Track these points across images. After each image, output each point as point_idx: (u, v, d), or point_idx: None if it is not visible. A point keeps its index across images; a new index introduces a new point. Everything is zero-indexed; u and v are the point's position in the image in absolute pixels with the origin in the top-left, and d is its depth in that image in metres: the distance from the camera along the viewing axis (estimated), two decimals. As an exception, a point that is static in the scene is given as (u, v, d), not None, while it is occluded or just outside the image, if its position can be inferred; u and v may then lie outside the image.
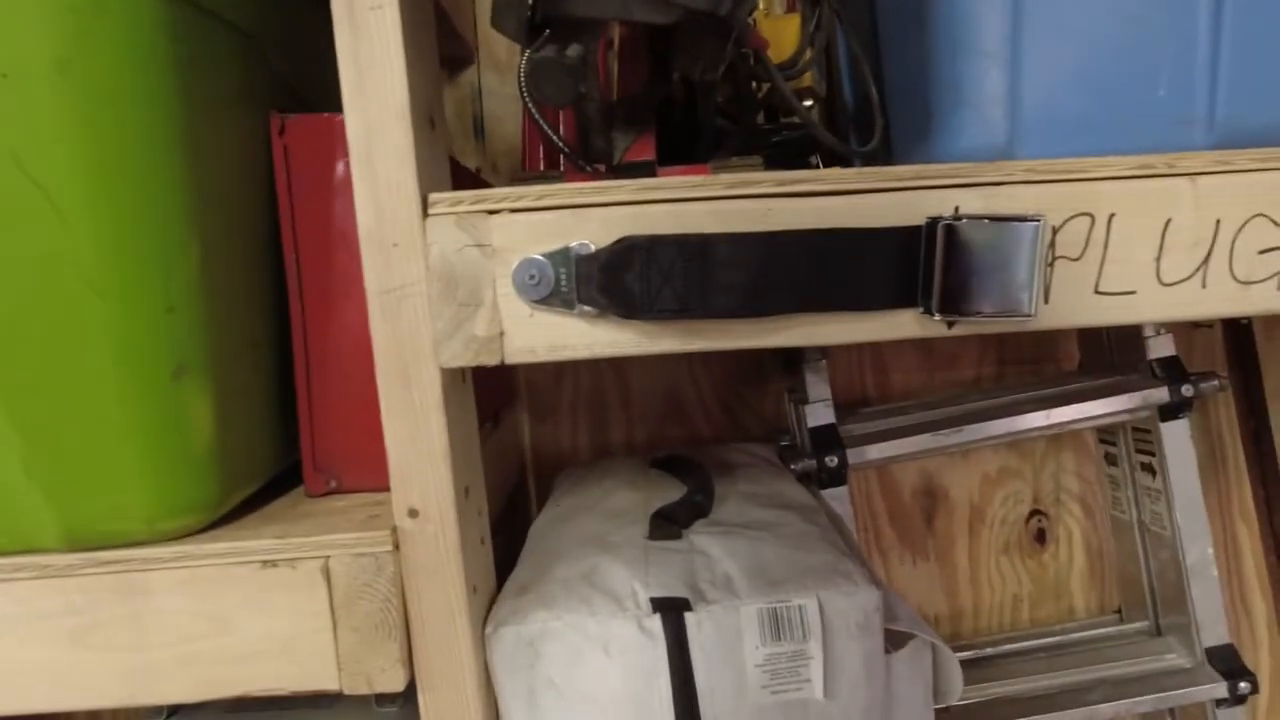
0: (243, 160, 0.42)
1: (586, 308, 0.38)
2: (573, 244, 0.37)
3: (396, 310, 0.38)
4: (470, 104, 0.78)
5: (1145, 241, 0.40)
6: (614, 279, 0.36)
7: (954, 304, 0.38)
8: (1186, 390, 0.67)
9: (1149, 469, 0.72)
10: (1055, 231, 0.40)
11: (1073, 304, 0.41)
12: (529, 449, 0.83)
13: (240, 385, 0.42)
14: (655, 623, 0.42)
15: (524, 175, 0.44)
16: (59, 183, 0.32)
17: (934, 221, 0.38)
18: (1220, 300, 0.41)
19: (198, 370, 0.38)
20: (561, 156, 0.52)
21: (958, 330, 0.40)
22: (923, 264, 0.38)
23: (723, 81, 0.55)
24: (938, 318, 0.39)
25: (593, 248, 0.37)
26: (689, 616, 0.42)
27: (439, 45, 0.73)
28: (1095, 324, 0.41)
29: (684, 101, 0.54)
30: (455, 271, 0.38)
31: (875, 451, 0.68)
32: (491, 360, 0.39)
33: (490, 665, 0.43)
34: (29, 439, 0.35)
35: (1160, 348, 0.68)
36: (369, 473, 0.45)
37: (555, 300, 0.38)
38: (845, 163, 0.56)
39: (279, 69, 0.46)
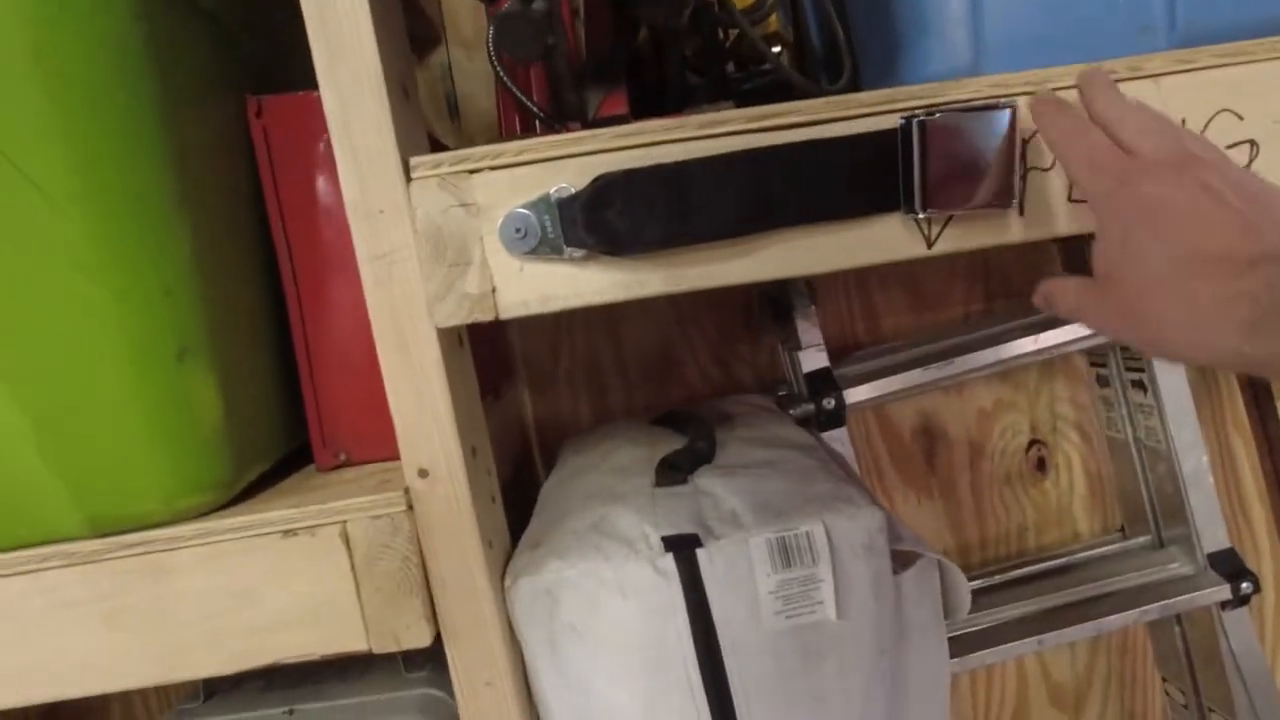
0: (223, 144, 0.43)
1: (575, 251, 0.39)
2: (551, 189, 0.38)
3: (388, 275, 0.39)
4: (441, 83, 0.79)
5: (1113, 147, 0.41)
6: (597, 218, 0.37)
7: (937, 199, 0.39)
8: (1170, 303, 0.68)
9: (1140, 385, 0.74)
10: (1025, 143, 0.41)
11: (1047, 214, 0.42)
12: (531, 422, 0.84)
13: (244, 365, 0.43)
14: (668, 561, 0.43)
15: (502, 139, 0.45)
16: (46, 172, 0.33)
17: (909, 120, 0.39)
18: (1190, 199, 0.42)
19: (201, 351, 0.39)
20: (536, 122, 0.53)
21: (942, 245, 0.41)
22: (901, 164, 0.39)
23: (690, 32, 0.55)
24: (922, 215, 0.39)
25: (573, 191, 0.38)
26: (700, 553, 0.43)
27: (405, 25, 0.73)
28: (1071, 232, 0.42)
29: (653, 57, 0.55)
30: (443, 232, 0.39)
31: (870, 390, 0.70)
32: (486, 316, 0.40)
33: (512, 617, 0.44)
34: (42, 428, 0.36)
35: (1142, 265, 0.69)
36: (377, 444, 0.46)
37: (544, 248, 0.39)
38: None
39: (250, 52, 0.46)
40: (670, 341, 0.84)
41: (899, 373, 0.70)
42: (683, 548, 0.43)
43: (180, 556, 0.39)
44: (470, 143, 0.80)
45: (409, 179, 0.39)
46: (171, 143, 0.38)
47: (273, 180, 0.43)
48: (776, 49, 0.63)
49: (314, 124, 0.43)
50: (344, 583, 0.40)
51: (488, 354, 0.72)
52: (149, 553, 0.39)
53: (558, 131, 0.48)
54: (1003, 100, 0.39)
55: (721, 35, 0.56)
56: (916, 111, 0.39)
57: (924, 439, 0.89)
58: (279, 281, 0.45)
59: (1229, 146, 0.41)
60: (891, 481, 0.89)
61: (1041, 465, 0.90)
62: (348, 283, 0.44)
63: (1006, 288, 0.87)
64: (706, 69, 0.54)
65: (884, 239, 0.41)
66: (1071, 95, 0.40)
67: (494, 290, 0.39)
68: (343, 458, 0.46)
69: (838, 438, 0.69)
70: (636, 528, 0.45)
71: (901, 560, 0.48)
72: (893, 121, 0.39)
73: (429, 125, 0.79)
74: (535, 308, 0.40)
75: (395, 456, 0.41)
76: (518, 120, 0.60)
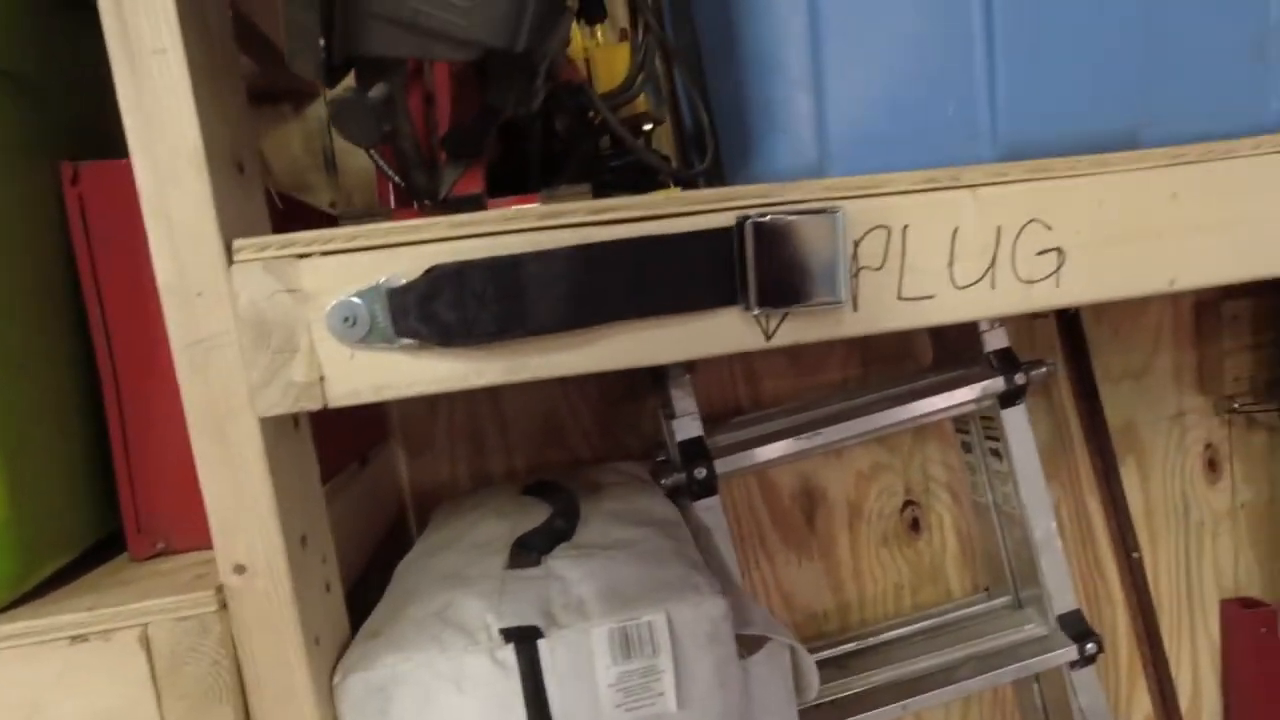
0: (32, 214, 0.40)
1: (407, 340, 0.38)
2: (383, 278, 0.37)
3: (205, 362, 0.37)
4: (320, 137, 0.77)
5: (937, 249, 0.43)
6: (428, 309, 0.37)
7: (770, 298, 0.40)
8: (1019, 378, 0.72)
9: (997, 454, 0.78)
10: (857, 244, 0.42)
11: (879, 310, 0.43)
12: (407, 484, 0.82)
13: (42, 451, 0.40)
14: (508, 653, 0.42)
15: (343, 212, 0.43)
16: None
17: (743, 219, 0.40)
18: (1008, 299, 0.45)
19: (-16, 440, 0.36)
20: (394, 192, 0.52)
21: (780, 339, 0.42)
22: (737, 262, 0.40)
23: (561, 110, 0.56)
24: (756, 311, 0.40)
25: (405, 280, 0.37)
26: (542, 644, 0.42)
27: (279, 78, 0.71)
28: (901, 327, 0.44)
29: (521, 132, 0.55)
30: (266, 318, 0.37)
31: (742, 460, 0.71)
32: (314, 405, 0.38)
33: (339, 717, 0.41)
34: None
35: (995, 341, 0.74)
36: (200, 530, 0.43)
37: (375, 338, 0.38)
38: (688, 184, 0.58)
39: (72, 116, 0.44)
40: (553, 404, 0.84)
41: (770, 442, 0.72)
42: (523, 639, 0.42)
43: (-51, 667, 0.35)
44: (348, 198, 0.79)
45: (231, 261, 0.37)
46: (-40, 217, 0.35)
47: (88, 252, 0.40)
48: (649, 126, 0.65)
49: (136, 192, 0.41)
50: (143, 691, 0.37)
51: (357, 418, 0.70)
52: (-90, 664, 0.35)
53: (417, 207, 0.47)
54: (833, 204, 0.41)
55: (591, 114, 0.57)
56: (750, 211, 0.40)
57: (804, 500, 0.91)
58: (93, 358, 0.42)
59: (1040, 253, 0.44)
60: (773, 543, 0.91)
61: (916, 525, 0.94)
62: (169, 361, 0.41)
63: (881, 352, 0.91)
64: (572, 148, 0.55)
65: (724, 332, 0.42)
66: (895, 200, 0.43)
67: (322, 379, 0.38)
68: (161, 546, 0.43)
69: (710, 505, 0.70)
70: (479, 617, 0.44)
71: (751, 643, 0.48)
72: (729, 219, 0.40)
73: (302, 179, 0.77)
74: (367, 397, 0.39)
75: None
76: (391, 185, 0.59)
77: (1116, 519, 0.89)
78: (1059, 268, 0.45)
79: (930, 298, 0.44)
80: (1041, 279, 0.45)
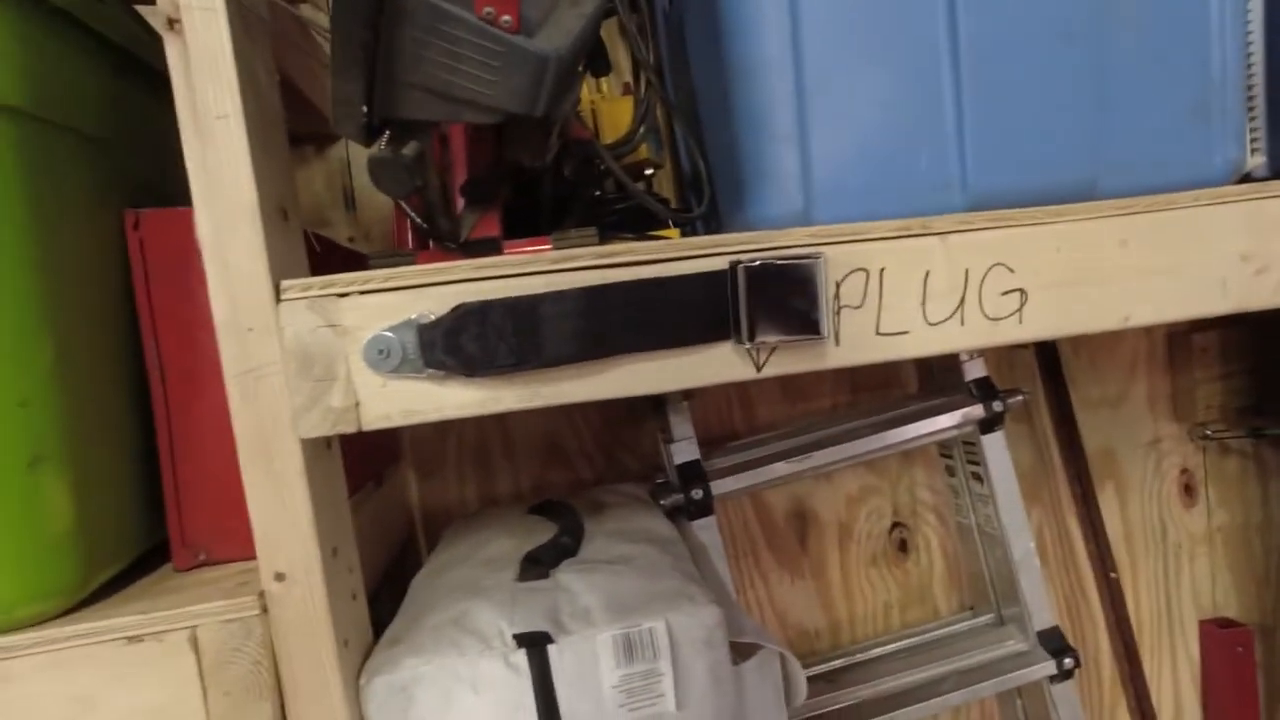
0: (100, 255, 0.45)
1: (434, 370, 0.42)
2: (414, 315, 0.41)
3: (254, 390, 0.41)
4: (340, 176, 0.82)
5: (911, 290, 0.48)
6: (454, 342, 0.41)
7: (760, 333, 0.45)
8: (997, 406, 0.77)
9: (978, 477, 0.82)
10: (839, 285, 0.47)
11: (859, 344, 0.48)
12: (417, 505, 0.85)
13: (102, 469, 0.44)
14: (520, 657, 0.46)
15: (374, 255, 0.48)
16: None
17: (735, 264, 0.44)
18: (976, 335, 0.49)
19: (55, 458, 0.40)
20: (412, 232, 0.57)
21: (770, 370, 0.47)
22: (730, 301, 0.45)
23: (570, 157, 0.61)
24: (747, 345, 0.45)
25: (433, 317, 0.42)
26: (551, 648, 0.46)
27: (303, 123, 0.76)
28: (880, 360, 0.48)
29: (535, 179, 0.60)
30: (310, 350, 0.42)
31: (736, 482, 0.75)
32: (349, 428, 0.42)
33: (365, 716, 0.45)
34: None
35: (974, 370, 0.78)
36: (239, 543, 0.47)
37: (405, 368, 0.42)
38: (687, 226, 0.63)
39: (134, 168, 0.49)
40: (557, 428, 0.88)
41: (762, 465, 0.76)
42: (534, 644, 0.46)
43: (18, 665, 0.39)
44: (365, 234, 0.83)
45: (279, 299, 0.41)
46: (41, 263, 0.39)
47: (146, 288, 0.45)
48: (650, 171, 0.70)
49: (190, 237, 0.46)
50: (190, 688, 0.41)
51: (372, 440, 0.74)
52: (-16, 662, 0.39)
53: (441, 249, 0.52)
54: (817, 250, 0.46)
55: (597, 161, 0.62)
56: (742, 257, 0.45)
57: (797, 522, 0.95)
58: (146, 382, 0.46)
59: (1004, 294, 0.49)
60: (767, 562, 0.94)
61: (904, 546, 0.98)
62: (214, 387, 0.46)
63: (870, 380, 0.96)
64: (580, 192, 0.59)
65: (718, 364, 0.46)
66: (872, 246, 0.47)
67: (358, 404, 0.42)
68: (202, 557, 0.47)
69: (706, 525, 0.74)
70: (493, 624, 0.48)
71: (743, 650, 0.52)
72: (723, 263, 0.45)
73: (323, 215, 0.82)
74: (397, 420, 0.43)
75: (255, 555, 0.42)
76: (409, 225, 0.64)
77: (1095, 541, 0.93)
78: (1022, 306, 0.49)
79: (905, 333, 0.48)
80: (1006, 316, 0.49)
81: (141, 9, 0.51)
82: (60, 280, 0.41)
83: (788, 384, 0.93)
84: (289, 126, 0.74)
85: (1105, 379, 1.01)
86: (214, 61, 0.39)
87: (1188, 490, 1.04)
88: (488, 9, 0.38)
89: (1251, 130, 0.71)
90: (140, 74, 0.50)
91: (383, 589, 0.65)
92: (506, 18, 0.38)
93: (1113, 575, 0.94)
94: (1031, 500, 0.99)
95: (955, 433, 0.80)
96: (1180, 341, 1.01)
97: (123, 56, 0.49)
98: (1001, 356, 0.98)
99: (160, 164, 0.50)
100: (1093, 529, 0.93)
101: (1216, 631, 1.03)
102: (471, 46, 0.39)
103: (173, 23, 0.40)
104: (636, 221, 0.64)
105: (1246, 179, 0.72)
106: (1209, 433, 1.01)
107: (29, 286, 0.39)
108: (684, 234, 0.64)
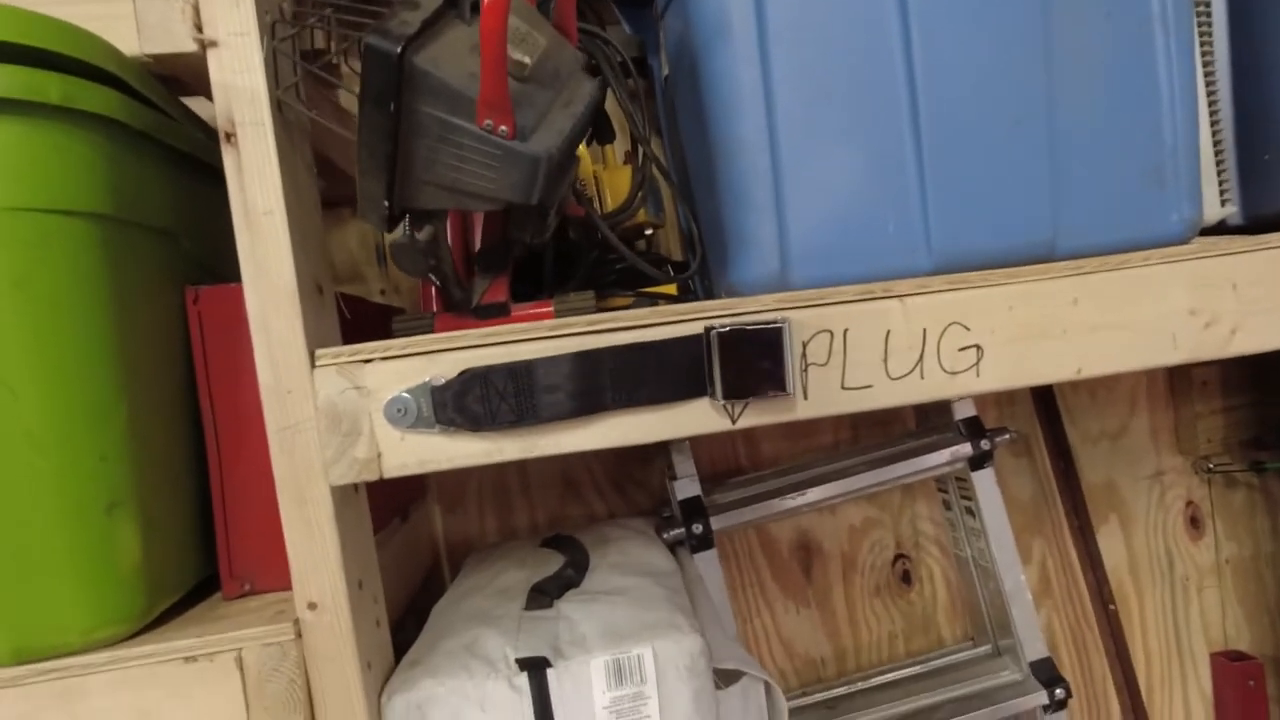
0: (165, 326, 0.52)
1: (444, 426, 0.48)
2: (427, 378, 0.48)
3: (291, 443, 0.48)
4: (373, 235, 0.90)
5: (873, 348, 0.53)
6: (462, 402, 0.47)
7: (733, 391, 0.50)
8: (984, 444, 0.80)
9: (970, 512, 0.85)
10: (805, 345, 0.52)
11: (826, 398, 0.53)
12: (441, 537, 0.92)
13: (164, 511, 0.51)
14: (522, 680, 0.51)
15: (397, 322, 0.55)
16: (10, 370, 0.42)
17: (709, 329, 0.50)
18: (936, 387, 0.54)
19: (127, 504, 0.47)
20: (436, 293, 0.64)
21: (744, 421, 0.52)
22: (706, 363, 0.50)
23: (574, 225, 0.68)
24: (723, 402, 0.50)
25: (444, 380, 0.48)
26: (550, 672, 0.51)
27: (339, 188, 0.85)
28: (846, 412, 0.53)
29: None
30: (339, 409, 0.48)
31: (735, 517, 0.79)
32: (372, 477, 0.49)
33: (385, 731, 0.51)
34: (-16, 573, 0.43)
35: (963, 410, 0.82)
36: (279, 575, 0.53)
37: (420, 424, 0.49)
38: (683, 288, 0.69)
39: (194, 251, 0.56)
40: (571, 466, 0.94)
41: (765, 500, 0.80)
42: (534, 668, 0.52)
43: (92, 681, 0.46)
44: (395, 287, 0.91)
45: (314, 366, 0.48)
46: (118, 337, 0.47)
47: (203, 354, 0.52)
48: (649, 231, 0.77)
49: (241, 310, 0.53)
50: (236, 703, 0.47)
51: (398, 482, 0.81)
52: (63, 678, 0.46)
53: (457, 312, 0.59)
54: (783, 315, 0.51)
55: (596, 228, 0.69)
56: (715, 322, 0.51)
57: (801, 553, 0.99)
58: (201, 437, 0.53)
59: (961, 349, 0.54)
60: (773, 593, 0.98)
61: (907, 577, 1.01)
62: (258, 440, 0.52)
63: (870, 418, 1.00)
64: (582, 253, 0.66)
65: (697, 417, 0.52)
66: (835, 309, 0.52)
67: (379, 456, 0.49)
68: (248, 587, 0.54)
69: (708, 558, 0.78)
70: (500, 649, 0.54)
71: (727, 677, 0.56)
72: (698, 328, 0.51)
73: (357, 271, 0.90)
74: (413, 469, 0.49)
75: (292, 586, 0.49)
76: (433, 288, 0.71)
77: (1094, 573, 0.96)
78: (979, 360, 0.54)
79: (869, 387, 0.53)
80: (964, 370, 0.54)
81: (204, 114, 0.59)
82: (133, 350, 0.48)
83: (790, 423, 0.98)
84: (326, 194, 0.82)
85: (1105, 413, 1.03)
86: (261, 168, 0.47)
87: (1194, 523, 1.06)
88: (488, 120, 0.44)
89: (1221, 182, 0.75)
90: (200, 171, 0.58)
91: (409, 614, 0.72)
92: (504, 128, 0.45)
93: (1111, 607, 0.96)
94: (1034, 532, 1.02)
95: (947, 469, 0.84)
96: (1181, 374, 1.03)
97: (187, 159, 0.57)
98: (1002, 394, 1.01)
99: (216, 247, 0.58)
100: (1091, 562, 0.95)
101: (1228, 665, 1.03)
102: (475, 151, 0.46)
103: (229, 136, 0.47)
104: (634, 279, 0.70)
105: (1221, 227, 0.76)
106: (1211, 466, 1.03)
107: (108, 359, 0.46)
108: (680, 288, 0.70)
